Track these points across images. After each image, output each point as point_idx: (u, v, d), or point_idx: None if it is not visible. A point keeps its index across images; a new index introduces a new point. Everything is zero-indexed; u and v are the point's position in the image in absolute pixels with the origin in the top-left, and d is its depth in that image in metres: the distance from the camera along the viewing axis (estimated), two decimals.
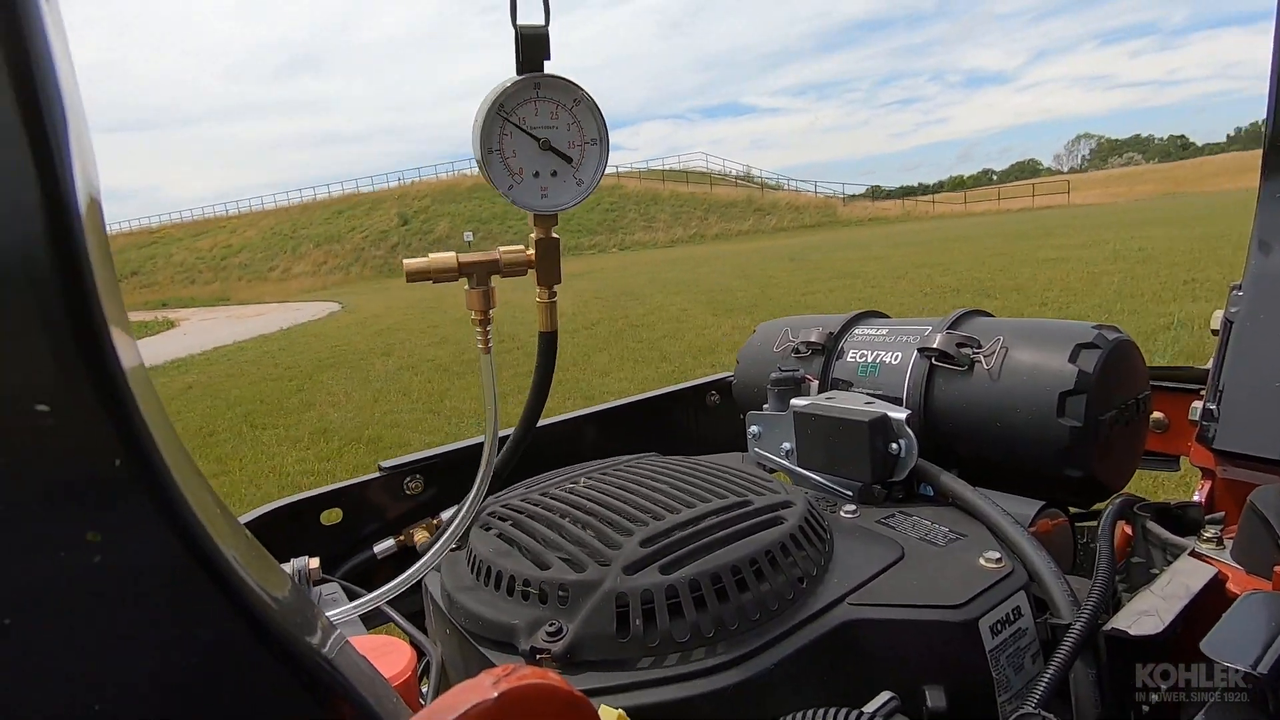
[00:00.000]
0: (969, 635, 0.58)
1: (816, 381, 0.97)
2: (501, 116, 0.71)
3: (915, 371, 0.90)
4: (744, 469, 0.80)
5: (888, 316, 1.08)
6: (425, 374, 7.68)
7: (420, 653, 0.71)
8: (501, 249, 0.76)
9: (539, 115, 0.72)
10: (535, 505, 0.73)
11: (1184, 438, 1.04)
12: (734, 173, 57.98)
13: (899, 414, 0.81)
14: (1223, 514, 0.75)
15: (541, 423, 1.14)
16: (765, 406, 0.95)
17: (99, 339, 0.22)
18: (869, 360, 0.96)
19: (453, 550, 0.76)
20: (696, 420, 1.33)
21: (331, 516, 0.96)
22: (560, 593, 0.59)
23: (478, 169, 0.73)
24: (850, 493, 0.82)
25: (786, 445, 0.90)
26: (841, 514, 0.78)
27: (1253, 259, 0.94)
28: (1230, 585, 0.61)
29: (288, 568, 0.80)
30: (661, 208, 44.39)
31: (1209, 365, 0.97)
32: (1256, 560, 0.62)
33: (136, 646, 0.24)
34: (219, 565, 0.26)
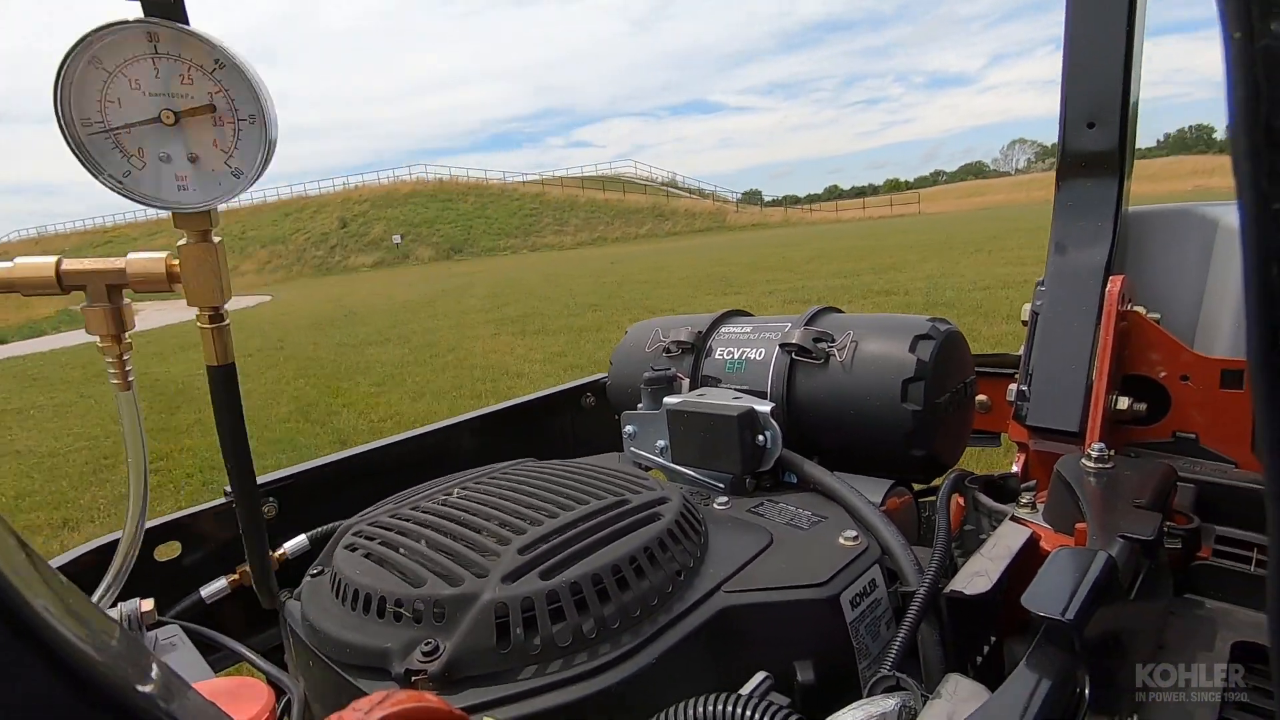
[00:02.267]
0: (833, 610, 0.62)
1: (687, 380, 1.00)
2: (101, 72, 0.52)
3: (778, 366, 0.95)
4: (620, 469, 0.81)
5: (752, 315, 1.13)
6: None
7: (280, 691, 0.65)
8: (132, 256, 0.60)
9: (161, 78, 0.54)
10: (405, 520, 0.70)
11: (1004, 416, 1.17)
12: (660, 179, 60.59)
13: (764, 407, 0.85)
14: (1035, 481, 0.85)
15: (412, 432, 1.08)
16: (639, 406, 0.96)
17: None
18: (735, 357, 1.01)
19: (313, 575, 0.70)
20: (572, 423, 1.33)
21: (168, 551, 0.86)
22: (436, 609, 0.56)
23: (66, 140, 0.53)
24: (722, 485, 0.86)
25: (661, 443, 0.92)
26: (714, 506, 0.81)
27: (1051, 259, 1.08)
28: (1043, 544, 0.70)
29: (114, 613, 0.71)
30: (576, 213, 47.53)
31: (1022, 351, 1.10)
32: (1063, 520, 0.71)
33: None
34: (26, 618, 0.22)
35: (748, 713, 0.47)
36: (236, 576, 0.88)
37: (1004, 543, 0.67)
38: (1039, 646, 0.46)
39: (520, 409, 1.25)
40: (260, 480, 0.92)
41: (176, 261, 0.60)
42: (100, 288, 0.59)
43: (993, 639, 0.65)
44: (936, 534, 0.74)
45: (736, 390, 0.95)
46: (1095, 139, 1.07)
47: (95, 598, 0.66)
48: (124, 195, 0.55)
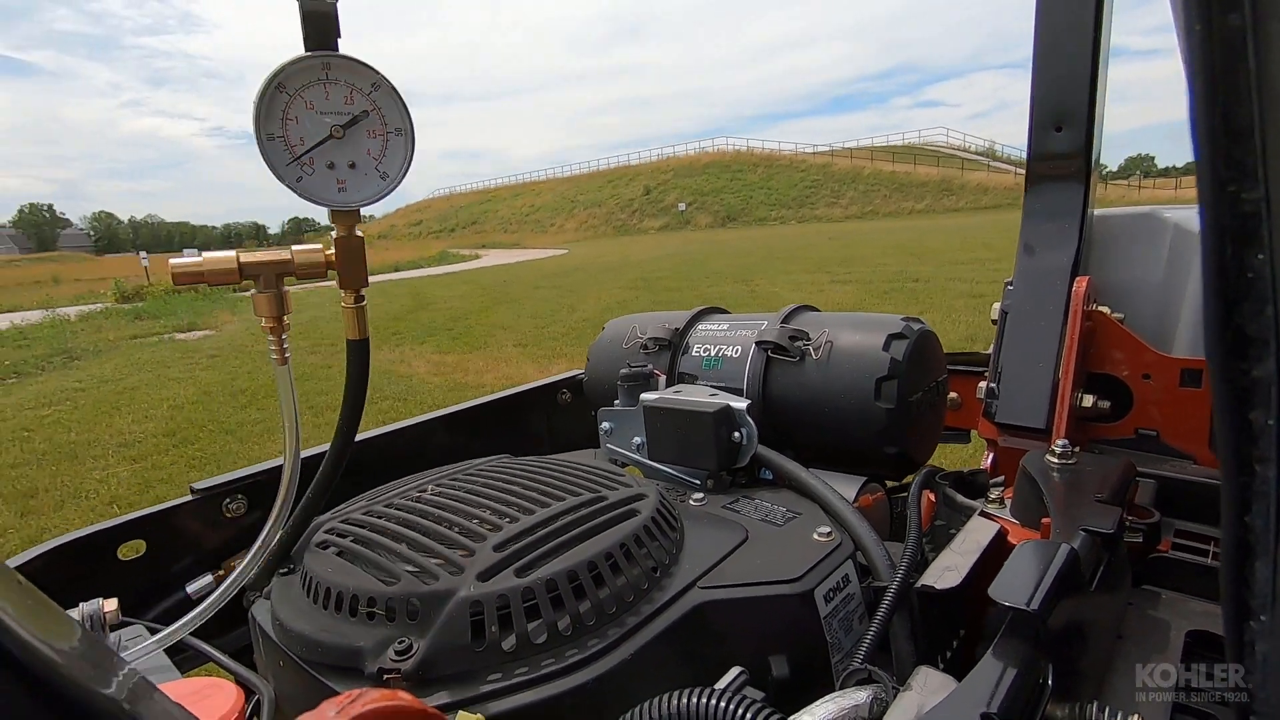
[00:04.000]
0: (806, 605, 0.63)
1: (664, 376, 1.00)
2: (284, 96, 0.63)
3: (754, 363, 0.96)
4: (597, 465, 0.81)
5: (728, 312, 1.14)
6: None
7: (249, 692, 0.64)
8: (295, 248, 0.69)
9: (330, 100, 0.65)
10: (378, 518, 0.69)
11: (974, 414, 1.20)
12: (975, 147, 57.52)
13: (740, 404, 0.85)
14: (1002, 477, 0.87)
15: (387, 428, 1.07)
16: (616, 402, 0.96)
17: None
18: (712, 354, 1.01)
19: (282, 574, 0.69)
20: (549, 419, 1.33)
21: (132, 550, 0.84)
22: (410, 607, 0.56)
23: (260, 152, 0.64)
24: (698, 481, 0.86)
25: (637, 439, 0.92)
26: (690, 502, 0.81)
27: (1020, 260, 1.10)
28: (1010, 538, 0.71)
29: (75, 613, 0.69)
30: (855, 185, 47.25)
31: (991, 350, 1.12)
32: (1029, 515, 0.73)
33: None
34: None
35: (723, 705, 0.48)
36: (221, 572, 0.87)
37: (973, 537, 0.68)
38: (1004, 636, 0.47)
39: (496, 405, 1.24)
40: (230, 477, 0.91)
41: (332, 252, 0.69)
42: (273, 276, 0.67)
43: (962, 632, 0.66)
44: (908, 529, 0.75)
45: (713, 387, 0.95)
46: (1062, 142, 1.09)
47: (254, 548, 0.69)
48: (299, 195, 0.64)
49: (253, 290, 0.67)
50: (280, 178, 0.64)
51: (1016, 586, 0.49)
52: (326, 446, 0.75)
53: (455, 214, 71.31)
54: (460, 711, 0.47)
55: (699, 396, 0.88)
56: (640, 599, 0.60)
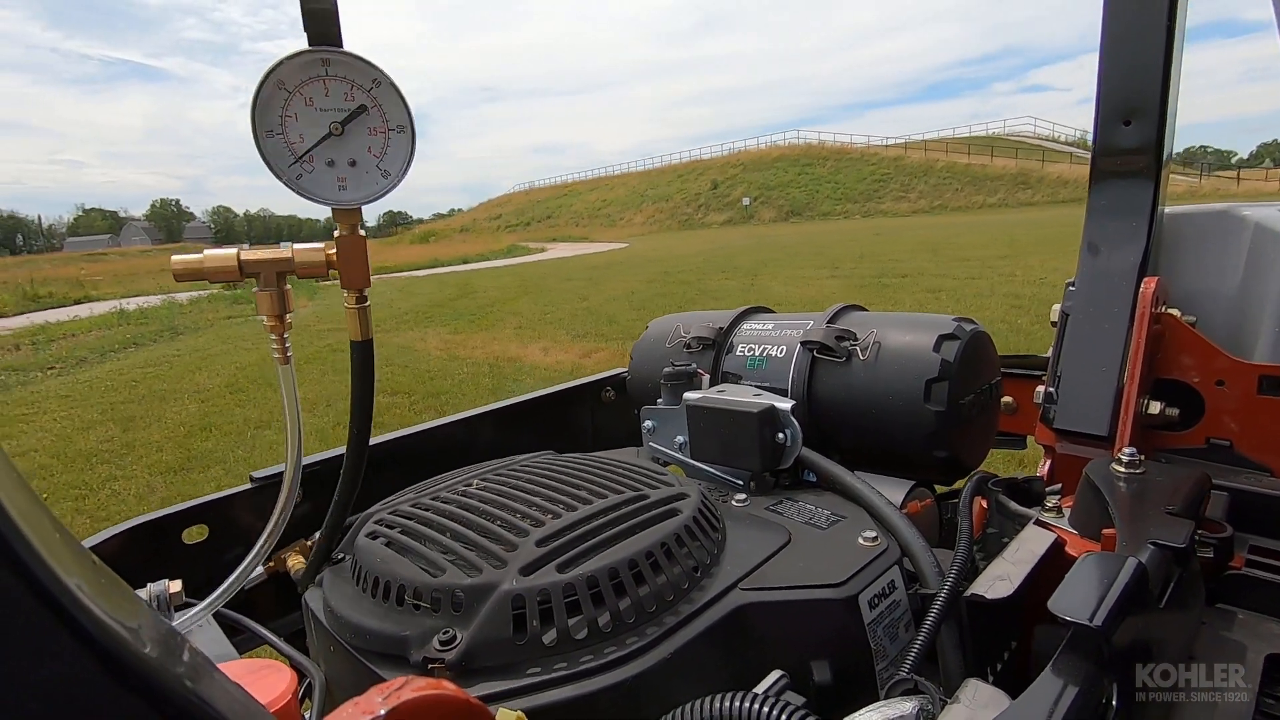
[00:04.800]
0: (850, 611, 0.62)
1: (708, 375, 0.99)
2: (283, 93, 0.62)
3: (799, 364, 0.94)
4: (639, 463, 0.81)
5: (773, 311, 1.12)
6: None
7: (301, 675, 0.66)
8: (296, 246, 0.67)
9: (330, 97, 0.64)
10: (425, 510, 0.71)
11: (1030, 419, 1.15)
12: (1066, 137, 54.86)
13: (785, 404, 0.84)
14: (1060, 485, 0.84)
15: (435, 423, 1.10)
16: (659, 401, 0.96)
17: None
18: (757, 354, 1.00)
19: (335, 561, 0.72)
20: (592, 416, 1.33)
21: (196, 534, 0.88)
22: (454, 599, 0.57)
23: (257, 152, 0.63)
24: (741, 482, 0.85)
25: (680, 438, 0.92)
26: (733, 503, 0.81)
27: (1083, 260, 1.06)
28: (1068, 549, 0.68)
29: (144, 593, 0.73)
30: (926, 179, 45.72)
31: (1050, 353, 1.08)
32: (1090, 525, 0.70)
33: None
34: (59, 596, 0.23)
35: (764, 710, 0.47)
36: (272, 564, 0.90)
37: (1028, 547, 0.66)
38: (1064, 653, 0.45)
39: (540, 402, 1.25)
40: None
41: (333, 251, 0.67)
42: (273, 275, 0.66)
43: (1014, 645, 0.64)
44: (958, 536, 0.73)
45: (757, 387, 0.94)
46: (1131, 136, 1.04)
47: (251, 554, 0.72)
48: (297, 193, 0.63)
49: (254, 288, 0.67)
50: (278, 175, 0.63)
51: (1078, 600, 0.47)
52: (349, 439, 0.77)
53: (532, 208, 71.75)
54: (500, 709, 0.47)
55: (743, 396, 0.87)
56: (680, 598, 0.60)
